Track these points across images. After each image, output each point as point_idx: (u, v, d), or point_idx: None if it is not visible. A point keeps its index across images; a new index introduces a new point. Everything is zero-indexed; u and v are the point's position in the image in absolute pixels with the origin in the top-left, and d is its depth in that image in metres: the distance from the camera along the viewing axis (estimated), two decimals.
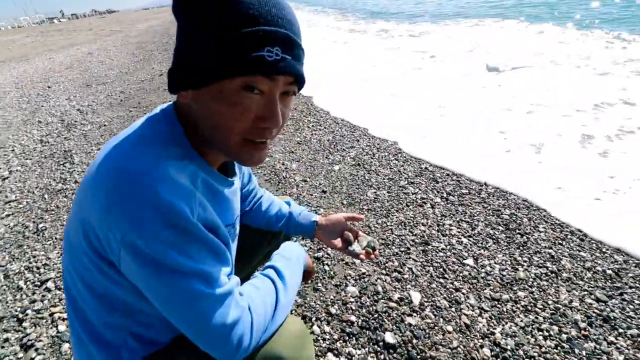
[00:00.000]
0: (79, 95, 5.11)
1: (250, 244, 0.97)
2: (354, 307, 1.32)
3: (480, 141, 2.72)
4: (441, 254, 1.58)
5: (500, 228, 1.73)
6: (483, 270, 1.47)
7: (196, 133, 0.58)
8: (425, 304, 1.32)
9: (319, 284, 1.45)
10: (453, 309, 1.29)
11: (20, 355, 1.25)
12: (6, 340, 1.32)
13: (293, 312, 1.32)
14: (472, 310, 1.28)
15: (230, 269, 0.59)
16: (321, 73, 5.16)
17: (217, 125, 0.51)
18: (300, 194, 2.15)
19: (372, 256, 0.89)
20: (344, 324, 1.26)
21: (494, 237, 1.67)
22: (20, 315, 1.42)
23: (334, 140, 2.91)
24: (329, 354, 1.16)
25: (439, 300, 1.33)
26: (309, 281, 1.45)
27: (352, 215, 0.97)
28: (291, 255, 0.78)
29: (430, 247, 1.63)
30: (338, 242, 0.93)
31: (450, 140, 2.79)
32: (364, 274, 1.49)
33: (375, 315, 1.28)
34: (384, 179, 2.27)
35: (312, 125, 3.28)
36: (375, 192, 2.12)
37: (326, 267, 1.53)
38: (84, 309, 0.61)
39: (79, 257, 0.55)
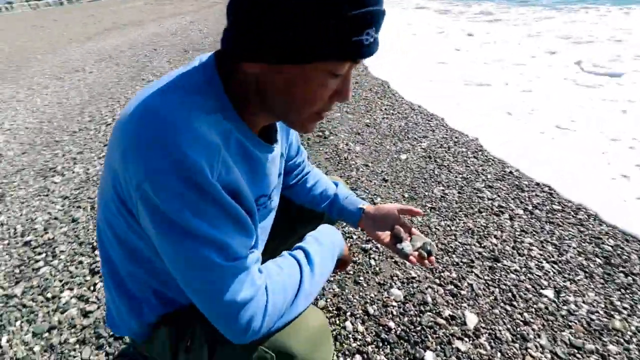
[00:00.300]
0: (177, 59, 5.62)
1: (289, 220, 0.90)
2: (395, 313, 1.19)
3: (581, 151, 2.23)
4: (513, 275, 1.33)
5: (598, 261, 1.39)
6: (565, 307, 1.19)
7: (240, 92, 0.52)
8: (482, 330, 1.12)
9: (361, 278, 1.33)
10: (517, 345, 1.07)
11: (88, 278, 1.42)
12: (80, 262, 1.51)
13: (328, 300, 1.24)
14: (542, 353, 1.05)
15: (251, 241, 0.52)
16: (400, 56, 4.80)
17: (293, 100, 0.50)
18: (359, 179, 2.03)
19: (426, 262, 0.74)
20: (381, 328, 1.14)
21: (587, 269, 1.35)
22: (95, 244, 1.61)
23: (406, 127, 2.68)
24: (357, 356, 1.05)
25: (499, 330, 1.12)
26: (348, 271, 1.36)
27: (408, 208, 0.81)
28: (326, 240, 0.69)
29: (500, 264, 1.38)
30: (386, 235, 0.79)
31: (542, 144, 2.34)
32: (413, 278, 1.33)
33: (419, 328, 1.13)
34: (456, 177, 2.00)
35: (385, 109, 3.07)
36: (443, 190, 1.88)
37: (372, 261, 1.41)
38: (111, 256, 0.61)
39: (108, 202, 0.54)
